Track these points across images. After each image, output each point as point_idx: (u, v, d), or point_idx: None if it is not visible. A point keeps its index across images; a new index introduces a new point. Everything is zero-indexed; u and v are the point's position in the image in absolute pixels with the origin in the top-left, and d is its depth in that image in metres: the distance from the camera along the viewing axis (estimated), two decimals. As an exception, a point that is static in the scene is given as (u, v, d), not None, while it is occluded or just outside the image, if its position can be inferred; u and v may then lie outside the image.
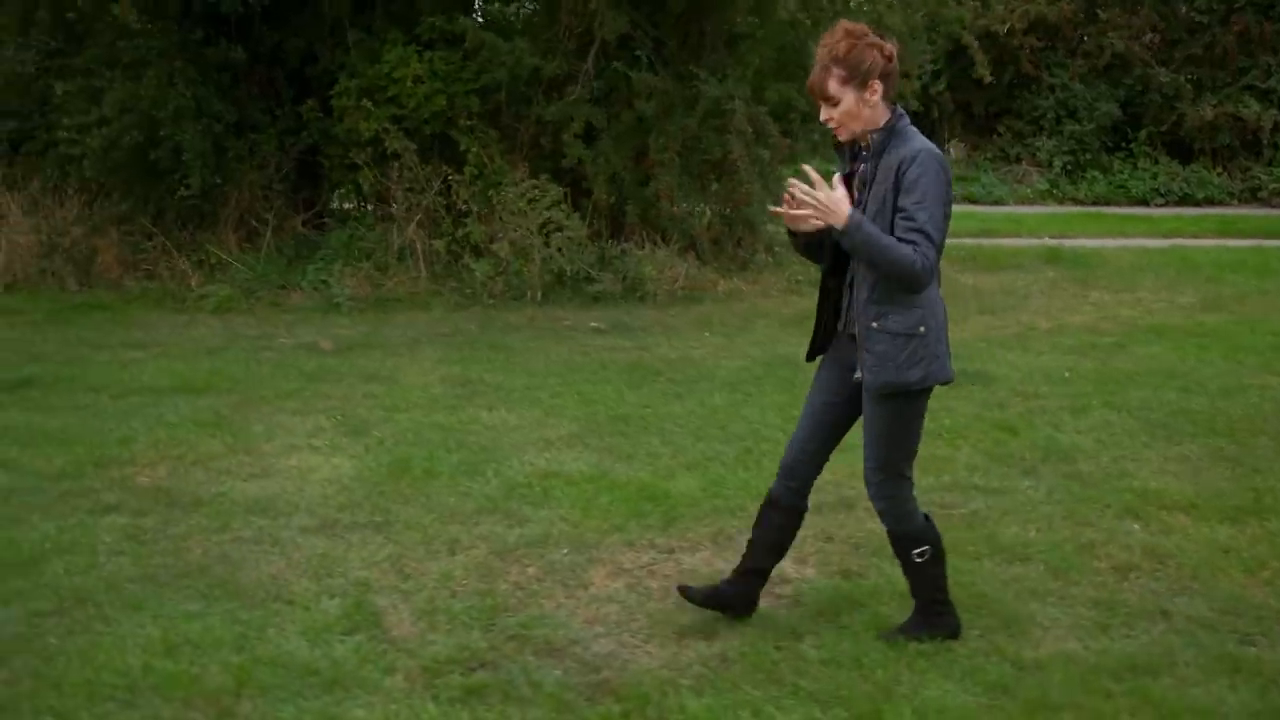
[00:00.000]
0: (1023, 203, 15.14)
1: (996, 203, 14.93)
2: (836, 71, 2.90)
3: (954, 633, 3.25)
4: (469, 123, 8.68)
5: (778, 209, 3.07)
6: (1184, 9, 16.14)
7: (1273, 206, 15.06)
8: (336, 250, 8.70)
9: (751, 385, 6.00)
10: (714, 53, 8.54)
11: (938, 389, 5.92)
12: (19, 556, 3.76)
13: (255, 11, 8.85)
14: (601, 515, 4.14)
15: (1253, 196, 15.45)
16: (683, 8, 8.47)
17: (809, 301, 3.44)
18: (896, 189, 2.88)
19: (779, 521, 3.29)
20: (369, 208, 9.36)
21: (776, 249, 9.42)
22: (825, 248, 3.09)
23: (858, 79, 2.89)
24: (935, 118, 16.27)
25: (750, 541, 3.35)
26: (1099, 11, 16.03)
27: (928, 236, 2.84)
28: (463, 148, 8.64)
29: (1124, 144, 15.96)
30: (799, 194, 2.84)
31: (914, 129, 2.98)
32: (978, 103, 16.51)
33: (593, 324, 7.74)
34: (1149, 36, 15.95)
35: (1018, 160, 16.24)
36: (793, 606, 3.49)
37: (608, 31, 8.07)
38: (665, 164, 8.20)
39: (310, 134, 9.01)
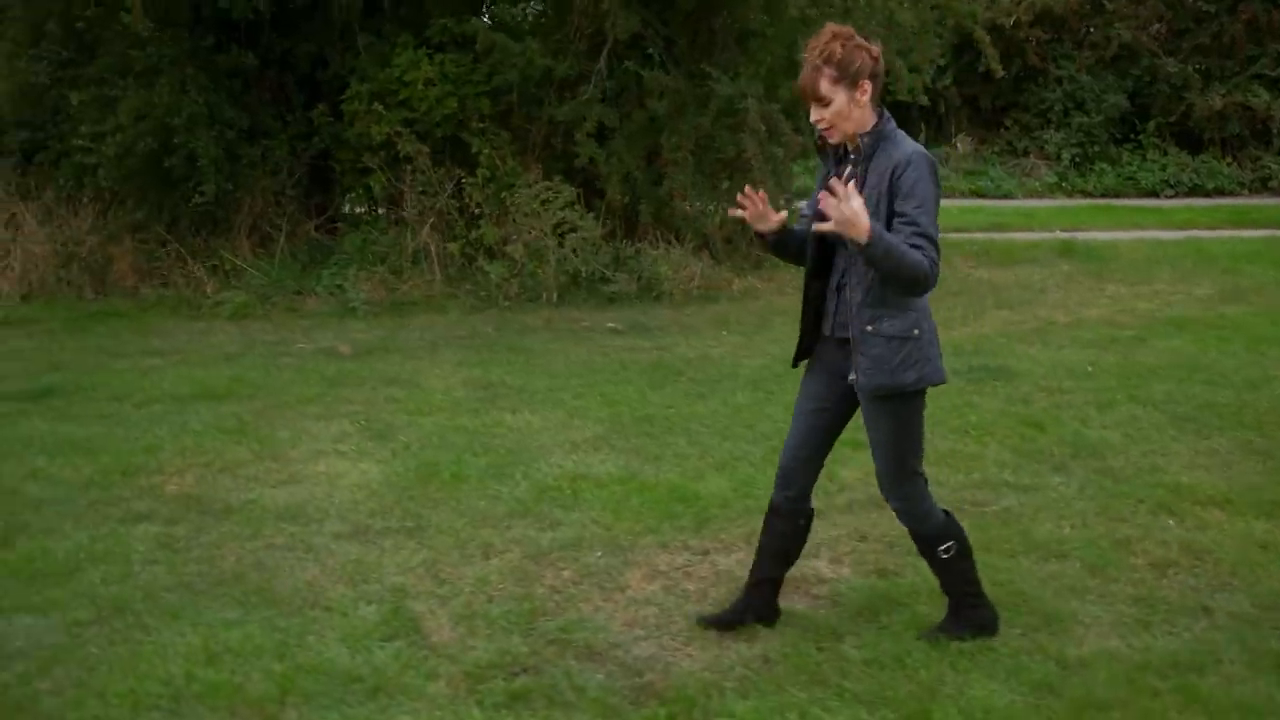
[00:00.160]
0: (1031, 196, 15.09)
1: (1005, 196, 14.88)
2: (828, 72, 2.91)
3: (992, 625, 3.25)
4: (481, 125, 8.67)
5: (737, 210, 3.10)
6: (1191, -2, 16.08)
7: (1284, 196, 15.01)
8: (350, 255, 8.69)
9: (773, 384, 5.98)
10: (725, 51, 8.52)
11: (958, 385, 5.90)
12: (54, 566, 3.76)
13: (265, 18, 8.85)
14: (633, 517, 4.13)
15: (1263, 186, 15.39)
16: (693, 6, 8.45)
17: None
18: (891, 193, 2.89)
19: (782, 529, 3.28)
20: (381, 211, 9.36)
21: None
22: (807, 251, 3.10)
23: (848, 79, 2.91)
24: (942, 112, 16.22)
25: (758, 551, 3.34)
26: (1105, 2, 15.96)
27: (931, 240, 2.85)
28: (475, 150, 8.63)
29: (1132, 135, 15.91)
30: (824, 206, 2.82)
31: (902, 132, 3.00)
32: (984, 96, 16.46)
33: (610, 324, 7.73)
34: (1156, 26, 15.88)
35: (1025, 154, 16.18)
36: (831, 606, 3.48)
37: (620, 31, 8.05)
38: (679, 163, 8.19)
39: (321, 139, 9.01)
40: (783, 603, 3.39)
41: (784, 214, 3.12)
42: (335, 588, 3.59)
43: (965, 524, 4.06)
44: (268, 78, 9.12)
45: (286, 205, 9.03)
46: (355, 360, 6.82)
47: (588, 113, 8.28)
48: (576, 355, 6.85)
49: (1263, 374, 6.10)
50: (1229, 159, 15.62)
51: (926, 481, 3.18)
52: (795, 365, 3.24)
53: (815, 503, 4.20)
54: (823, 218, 2.83)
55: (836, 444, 4.90)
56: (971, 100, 16.61)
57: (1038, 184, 15.49)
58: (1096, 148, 15.73)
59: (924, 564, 3.71)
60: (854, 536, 3.98)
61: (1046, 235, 11.38)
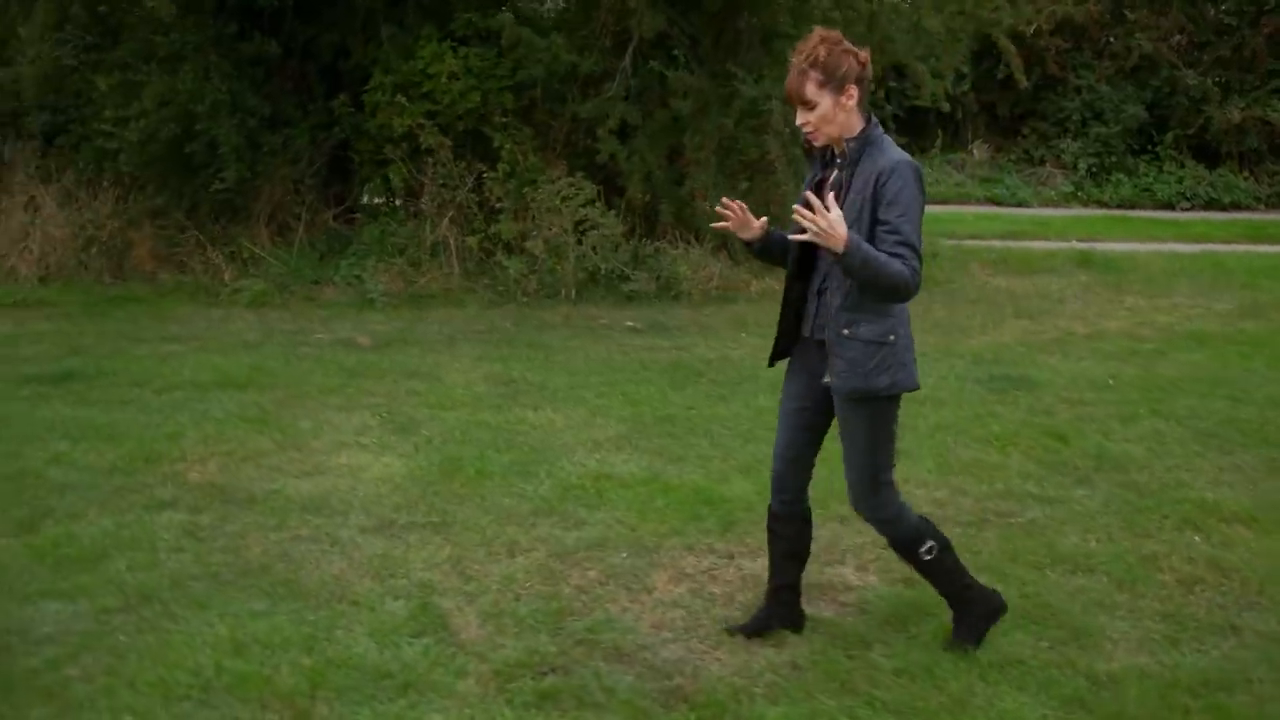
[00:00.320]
0: (1047, 205, 15.06)
1: (1020, 205, 14.86)
2: (814, 75, 2.92)
3: (999, 605, 3.27)
4: (503, 119, 8.66)
5: (720, 224, 3.14)
6: (1213, 11, 16.04)
7: (1300, 212, 14.97)
8: (369, 246, 8.69)
9: (794, 388, 5.97)
10: (750, 52, 8.50)
11: (980, 394, 5.89)
12: (81, 552, 3.76)
13: (288, 6, 8.85)
14: (658, 518, 4.13)
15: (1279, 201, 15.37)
16: (719, 6, 8.44)
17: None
18: (875, 200, 2.90)
19: (785, 532, 3.29)
20: (397, 203, 9.35)
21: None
22: (790, 254, 3.11)
23: (834, 83, 2.92)
24: (959, 118, 16.19)
25: (770, 558, 3.35)
26: (1126, 12, 15.92)
27: (913, 249, 2.86)
28: (496, 144, 8.61)
29: (1150, 147, 15.86)
30: (800, 219, 2.82)
31: (888, 138, 3.01)
32: (1002, 104, 16.43)
33: (628, 323, 7.72)
34: (1177, 38, 15.84)
35: (1042, 162, 16.15)
36: (858, 614, 3.48)
37: (645, 29, 8.04)
38: (701, 163, 8.18)
39: (342, 129, 9.00)
40: (809, 609, 3.39)
41: (764, 220, 3.15)
42: (362, 582, 3.59)
43: (991, 535, 4.10)
44: (289, 66, 9.11)
45: (305, 194, 9.03)
46: (375, 352, 6.82)
47: (611, 110, 8.27)
48: (596, 353, 6.84)
49: (1285, 391, 6.08)
50: (1246, 173, 15.58)
51: (897, 490, 3.17)
52: (771, 365, 3.27)
53: (838, 509, 4.22)
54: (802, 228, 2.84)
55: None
56: (989, 107, 16.58)
57: (1053, 193, 15.47)
58: (1113, 158, 15.69)
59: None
60: (879, 544, 3.94)
61: (1063, 245, 11.35)
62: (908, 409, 5.53)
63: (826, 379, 3.05)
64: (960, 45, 9.15)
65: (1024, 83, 9.72)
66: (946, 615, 3.41)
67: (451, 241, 8.62)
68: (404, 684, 2.99)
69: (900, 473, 4.67)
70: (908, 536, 3.15)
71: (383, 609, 3.40)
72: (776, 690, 3.01)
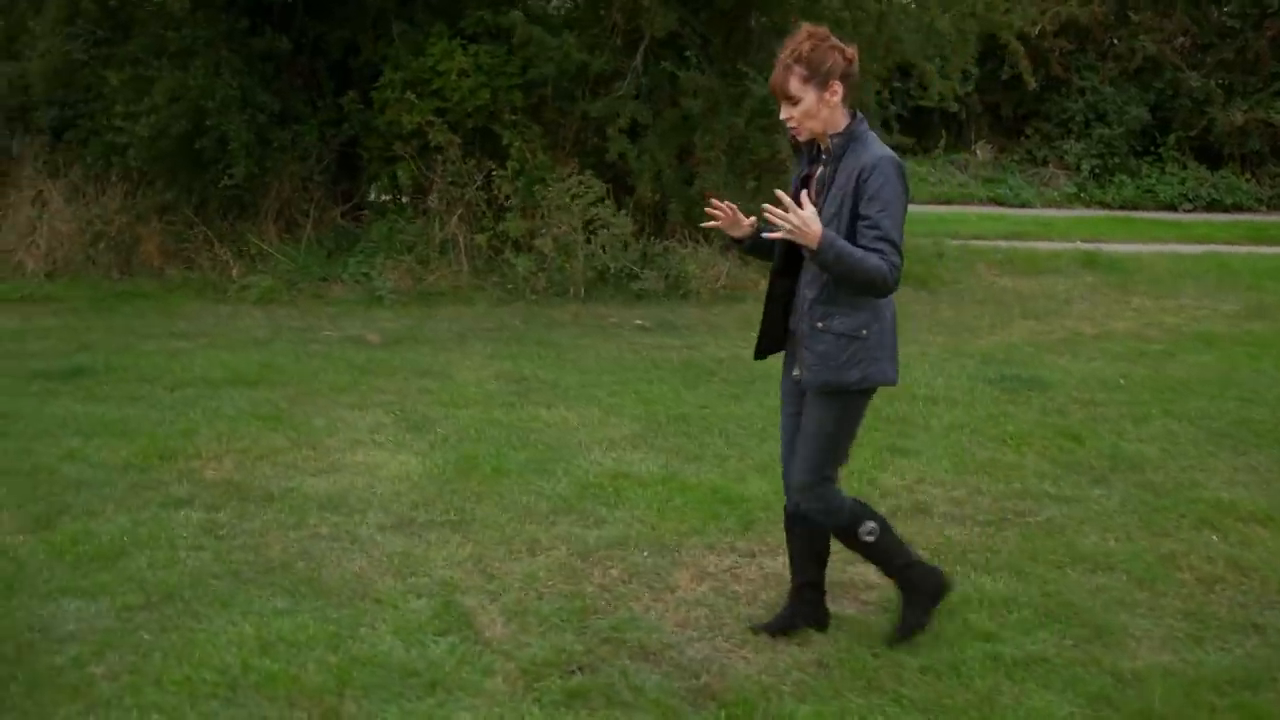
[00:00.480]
0: (1050, 205, 15.07)
1: (1023, 205, 14.86)
2: (798, 70, 2.93)
3: (944, 584, 3.28)
4: (512, 117, 8.65)
5: (709, 224, 3.18)
6: (1216, 13, 16.04)
7: (1303, 214, 14.99)
8: (377, 243, 8.68)
9: (806, 387, 5.97)
10: (761, 51, 8.49)
11: (992, 393, 5.89)
12: (99, 550, 3.75)
13: (299, 2, 8.83)
14: (677, 517, 4.13)
15: (1282, 203, 15.38)
16: (730, 5, 8.43)
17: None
18: (856, 195, 2.91)
19: (802, 531, 3.29)
20: (404, 200, 9.34)
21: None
22: (775, 250, 3.12)
23: (818, 79, 2.92)
24: (963, 119, 16.19)
25: (790, 557, 3.36)
26: (1130, 14, 15.93)
27: (893, 244, 2.87)
28: (505, 142, 8.61)
29: (1153, 148, 15.87)
30: (771, 217, 2.84)
31: (873, 134, 3.01)
32: (1006, 104, 16.43)
33: (637, 321, 7.72)
34: (1180, 40, 15.84)
35: (1045, 163, 16.15)
36: (880, 612, 3.48)
37: (657, 28, 8.03)
38: (711, 162, 8.17)
39: (351, 125, 8.98)
40: (832, 607, 3.39)
41: (754, 219, 3.16)
42: (384, 580, 3.59)
43: (1010, 534, 4.10)
44: (299, 63, 9.10)
45: (314, 191, 9.01)
46: (384, 349, 6.81)
47: (621, 109, 8.26)
48: (607, 352, 6.84)
49: (1296, 392, 6.09)
50: (1248, 175, 15.59)
51: (836, 483, 3.16)
52: (758, 359, 3.28)
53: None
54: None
55: (877, 450, 4.93)
56: (993, 108, 16.58)
57: (1056, 194, 15.47)
58: (1116, 159, 15.70)
59: (974, 573, 3.74)
60: (899, 543, 3.97)
61: (1067, 245, 11.36)
62: (921, 408, 5.57)
63: (796, 373, 3.08)
64: (969, 46, 9.14)
65: (1032, 84, 9.72)
66: (971, 614, 3.42)
67: (460, 239, 8.61)
68: (431, 682, 2.99)
69: (917, 472, 4.71)
70: (847, 522, 3.16)
71: (406, 607, 3.40)
72: (804, 688, 3.01)
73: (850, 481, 4.51)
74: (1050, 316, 8.26)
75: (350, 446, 4.88)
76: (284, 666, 3.04)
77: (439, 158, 8.63)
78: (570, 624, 3.32)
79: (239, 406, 5.43)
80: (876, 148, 2.95)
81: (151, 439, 4.89)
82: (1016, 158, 16.39)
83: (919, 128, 15.21)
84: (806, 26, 3.01)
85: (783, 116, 3.02)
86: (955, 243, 10.64)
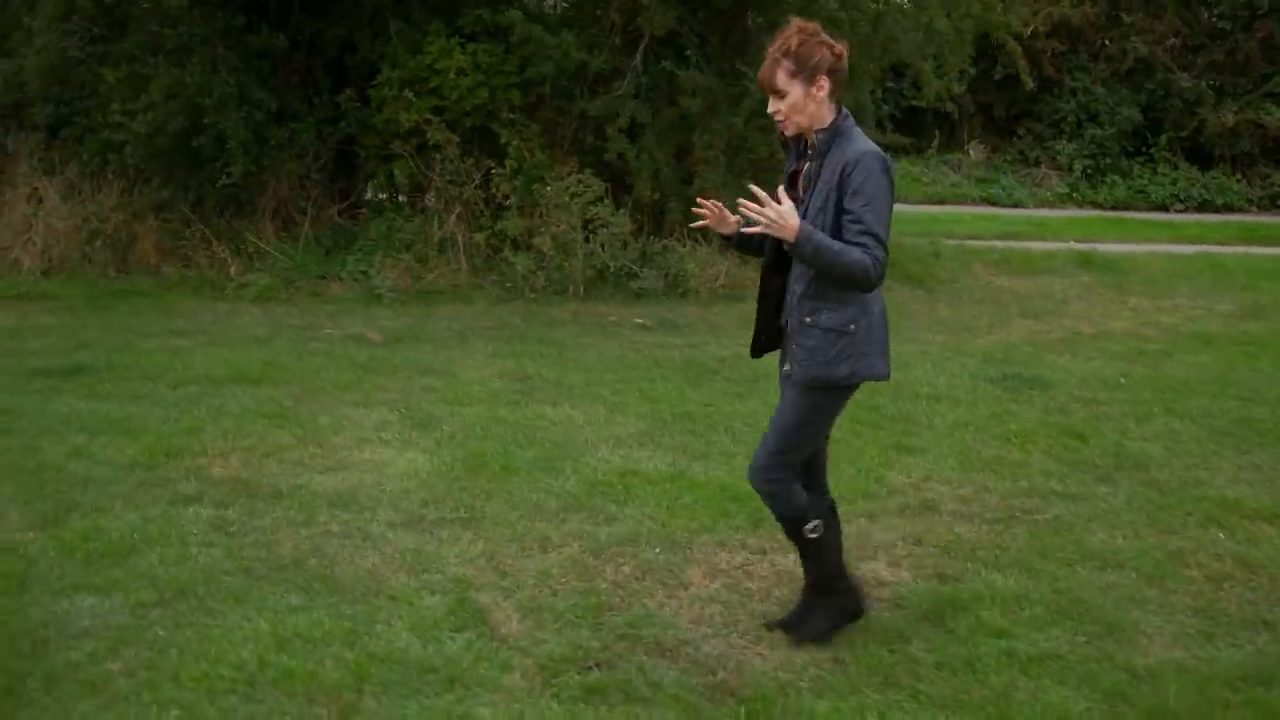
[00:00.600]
0: (1042, 206, 15.15)
1: (1016, 205, 14.94)
2: (785, 64, 2.94)
3: (857, 610, 3.25)
4: (510, 116, 8.65)
5: (697, 223, 3.20)
6: (1207, 14, 16.17)
7: (1293, 214, 15.11)
8: (376, 241, 8.66)
9: (809, 385, 5.98)
10: (758, 50, 8.47)
11: (994, 392, 5.90)
12: (110, 547, 3.73)
13: (295, -1, 8.81)
14: (687, 514, 4.13)
15: (1272, 204, 15.49)
16: (728, 5, 8.44)
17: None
18: (841, 190, 2.92)
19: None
20: (402, 199, 9.32)
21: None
22: (766, 246, 3.14)
23: (805, 73, 2.93)
24: (956, 119, 16.25)
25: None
26: (1122, 15, 16.03)
27: (876, 238, 2.88)
28: (503, 141, 8.60)
29: (1144, 149, 15.98)
30: (747, 212, 2.86)
31: (859, 130, 3.02)
32: (999, 105, 16.51)
33: (637, 320, 7.73)
34: (1171, 41, 15.94)
35: (1037, 163, 16.24)
36: (893, 609, 3.49)
37: (655, 27, 8.04)
38: (710, 161, 8.18)
39: (348, 124, 8.96)
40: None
41: (740, 216, 3.16)
42: (397, 577, 3.58)
43: (1019, 531, 4.12)
44: (296, 60, 9.07)
45: (311, 189, 8.99)
46: (386, 348, 6.79)
47: (620, 108, 8.26)
48: (608, 350, 6.84)
49: (1295, 391, 6.14)
50: (1239, 176, 15.71)
51: (795, 471, 3.17)
52: (754, 357, 3.28)
53: (864, 505, 4.24)
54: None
55: (883, 448, 4.95)
56: (986, 108, 16.65)
57: (1049, 194, 15.56)
58: (1108, 160, 15.80)
59: (986, 570, 3.75)
60: (909, 540, 3.99)
61: (1061, 245, 11.42)
62: (924, 407, 5.60)
63: (785, 368, 3.08)
64: (966, 46, 9.18)
65: (1029, 84, 9.77)
66: (983, 611, 3.44)
67: (459, 237, 8.60)
68: (449, 678, 2.99)
69: (923, 470, 4.73)
70: (795, 514, 3.16)
71: (420, 604, 3.39)
72: (821, 684, 3.02)
73: (858, 479, 4.54)
74: (1048, 316, 8.30)
75: (357, 444, 4.87)
76: (301, 663, 3.04)
77: (437, 156, 8.62)
78: (585, 620, 3.32)
79: (243, 404, 5.41)
80: (861, 143, 2.95)
81: (157, 436, 4.87)
82: (1009, 158, 16.47)
83: (912, 128, 15.26)
84: (797, 22, 3.01)
85: (770, 110, 3.03)
86: (951, 242, 10.69)
